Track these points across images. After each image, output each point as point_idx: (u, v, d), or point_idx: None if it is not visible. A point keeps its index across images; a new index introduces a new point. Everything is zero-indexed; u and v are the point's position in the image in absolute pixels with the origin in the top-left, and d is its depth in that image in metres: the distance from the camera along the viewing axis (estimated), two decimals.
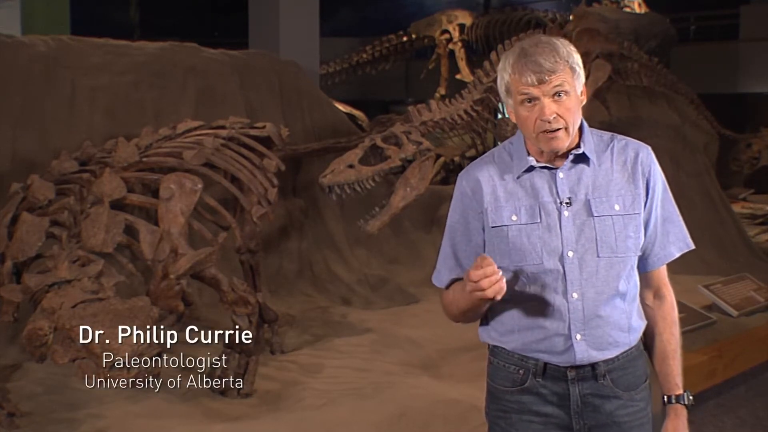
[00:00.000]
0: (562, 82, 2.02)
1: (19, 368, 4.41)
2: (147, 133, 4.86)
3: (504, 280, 1.94)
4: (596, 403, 2.12)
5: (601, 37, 7.39)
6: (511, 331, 2.15)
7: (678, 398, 2.20)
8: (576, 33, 7.09)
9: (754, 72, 14.74)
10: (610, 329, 2.09)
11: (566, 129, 2.04)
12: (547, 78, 2.00)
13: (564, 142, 2.05)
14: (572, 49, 2.07)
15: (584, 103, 2.11)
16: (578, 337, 2.07)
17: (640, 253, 2.14)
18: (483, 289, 1.92)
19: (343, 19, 21.08)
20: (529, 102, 2.04)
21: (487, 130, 6.13)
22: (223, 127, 4.98)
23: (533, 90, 2.02)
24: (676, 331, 2.22)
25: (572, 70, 2.05)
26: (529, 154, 2.12)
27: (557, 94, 2.02)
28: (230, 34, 14.14)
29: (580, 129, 2.13)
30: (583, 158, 2.11)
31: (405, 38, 12.40)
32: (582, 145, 2.10)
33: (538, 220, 2.08)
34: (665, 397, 2.22)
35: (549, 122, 2.02)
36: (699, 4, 17.09)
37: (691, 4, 16.98)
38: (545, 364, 2.12)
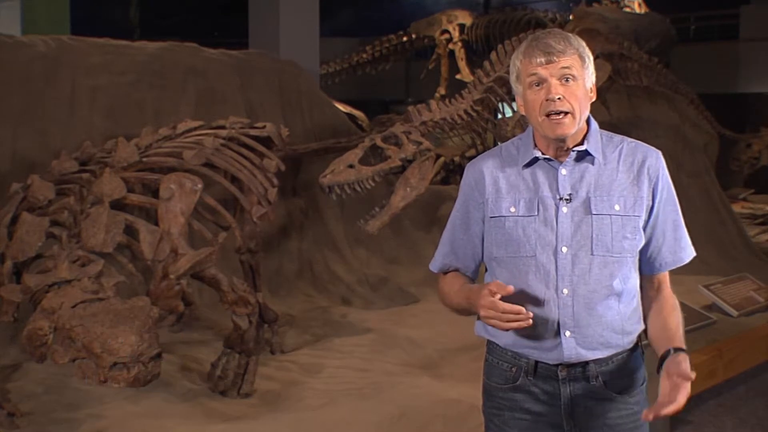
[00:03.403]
0: (570, 65, 2.04)
1: (19, 368, 4.41)
2: (147, 133, 4.86)
3: (522, 315, 1.95)
4: (588, 404, 2.11)
5: (601, 37, 7.38)
6: None
7: (683, 350, 2.05)
8: (576, 33, 7.09)
9: (754, 72, 14.72)
10: (602, 329, 2.08)
11: (572, 115, 2.04)
12: (555, 59, 2.02)
13: (569, 128, 2.05)
14: (584, 44, 2.11)
15: (593, 100, 2.11)
16: (567, 333, 2.07)
17: (645, 256, 2.14)
18: (494, 323, 1.97)
19: (343, 19, 21.06)
20: (537, 85, 2.05)
21: (487, 130, 6.12)
22: (223, 127, 4.98)
23: (541, 70, 2.03)
24: (677, 314, 2.15)
25: (581, 59, 2.07)
26: (536, 146, 2.13)
27: (565, 78, 2.03)
28: (230, 34, 14.12)
29: (588, 127, 2.13)
30: (587, 155, 2.11)
31: (405, 38, 12.39)
32: (586, 142, 2.10)
33: (535, 213, 2.09)
34: (666, 351, 2.04)
35: (554, 102, 2.02)
36: (699, 4, 17.08)
37: (691, 4, 16.97)
38: (536, 362, 2.12)
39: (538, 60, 2.03)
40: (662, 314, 2.16)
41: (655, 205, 2.11)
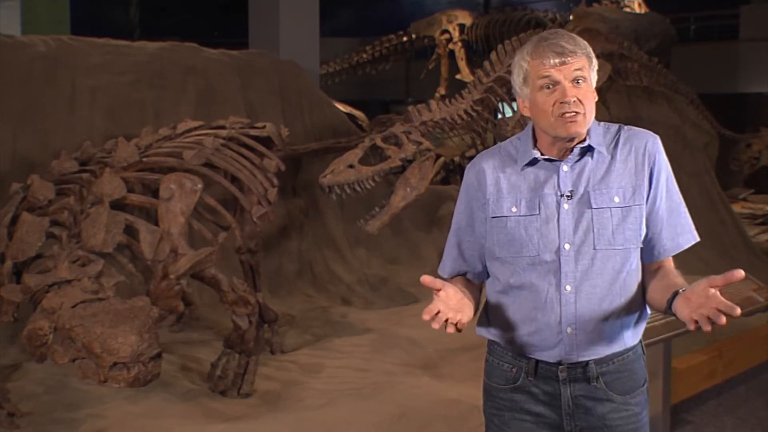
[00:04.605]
0: (581, 66, 2.03)
1: (19, 368, 4.41)
2: (147, 133, 4.86)
3: (455, 313, 1.99)
4: (588, 405, 2.11)
5: (601, 37, 7.39)
6: (505, 325, 2.15)
7: None
8: (576, 33, 7.09)
9: (754, 72, 14.73)
10: (604, 326, 2.07)
11: (583, 116, 2.03)
12: (569, 60, 2.01)
13: (582, 126, 2.04)
14: (587, 44, 2.10)
15: (595, 100, 2.11)
16: (569, 330, 2.06)
17: (645, 244, 2.11)
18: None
19: (343, 19, 21.09)
20: (548, 88, 2.03)
21: (487, 130, 6.13)
22: (223, 127, 4.98)
23: (554, 72, 2.01)
24: (682, 279, 2.07)
25: (589, 59, 2.06)
26: (535, 146, 2.12)
27: (576, 80, 2.02)
28: (230, 34, 14.12)
29: None
30: (589, 151, 2.10)
31: (405, 38, 12.40)
32: (588, 138, 2.09)
33: (537, 212, 2.08)
34: (676, 291, 1.96)
35: (569, 104, 2.00)
36: (699, 4, 17.11)
37: (691, 4, 16.99)
38: (537, 362, 2.11)
39: (552, 61, 2.01)
40: (669, 277, 2.10)
41: (652, 190, 2.10)
